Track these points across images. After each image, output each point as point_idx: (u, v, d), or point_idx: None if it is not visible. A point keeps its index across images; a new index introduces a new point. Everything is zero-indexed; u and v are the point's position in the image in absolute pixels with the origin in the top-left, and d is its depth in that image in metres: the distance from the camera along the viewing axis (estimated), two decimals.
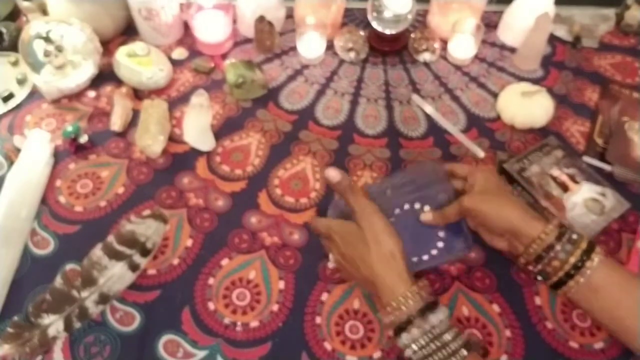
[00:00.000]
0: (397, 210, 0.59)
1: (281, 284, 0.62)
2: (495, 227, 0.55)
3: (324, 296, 0.61)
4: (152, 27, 0.86)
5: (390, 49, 0.90)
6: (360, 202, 0.53)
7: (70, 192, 0.70)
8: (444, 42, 0.90)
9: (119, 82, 0.82)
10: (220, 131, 0.78)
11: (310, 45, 0.87)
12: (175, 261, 0.64)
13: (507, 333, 0.58)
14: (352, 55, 0.89)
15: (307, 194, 0.71)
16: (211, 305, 0.60)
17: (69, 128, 0.72)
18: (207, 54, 0.88)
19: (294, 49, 0.89)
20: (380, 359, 0.57)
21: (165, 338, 0.58)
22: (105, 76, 0.83)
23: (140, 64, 0.80)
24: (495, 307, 0.60)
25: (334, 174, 0.53)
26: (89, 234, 0.65)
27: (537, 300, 0.61)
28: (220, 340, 0.58)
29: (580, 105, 0.82)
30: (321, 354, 0.57)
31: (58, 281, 0.60)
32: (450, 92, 0.85)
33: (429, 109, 0.81)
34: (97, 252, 0.60)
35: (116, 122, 0.75)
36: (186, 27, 0.91)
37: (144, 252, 0.62)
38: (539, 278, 0.54)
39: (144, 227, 0.63)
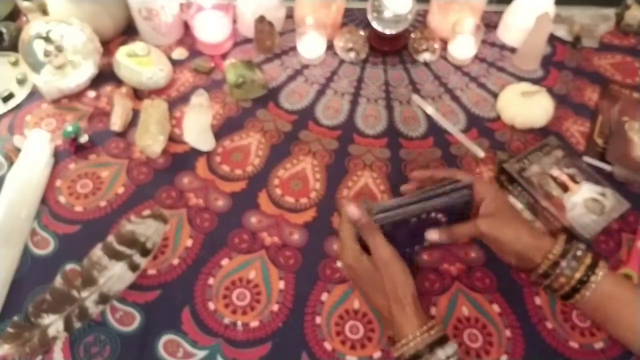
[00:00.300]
0: (413, 220, 0.56)
1: (281, 284, 0.62)
2: (507, 250, 0.56)
3: (324, 296, 0.61)
4: (152, 27, 0.86)
5: (390, 49, 0.90)
6: (377, 242, 0.53)
7: (70, 192, 0.70)
8: (444, 42, 0.90)
9: (119, 82, 0.82)
10: (220, 131, 0.78)
11: (310, 45, 0.87)
12: (175, 261, 0.64)
13: (507, 333, 0.58)
14: (352, 55, 0.89)
15: (307, 194, 0.71)
16: (211, 305, 0.60)
17: (69, 128, 0.72)
18: (207, 54, 0.88)
19: (294, 49, 0.89)
20: (380, 359, 0.57)
21: (165, 338, 0.58)
22: (105, 76, 0.83)
23: (140, 64, 0.80)
24: (495, 307, 0.60)
25: (353, 211, 0.54)
26: (89, 234, 0.65)
27: (537, 300, 0.61)
28: (220, 340, 0.58)
29: (580, 105, 0.82)
30: (321, 354, 0.57)
31: (58, 281, 0.60)
32: (450, 92, 0.85)
33: (429, 109, 0.81)
34: (97, 252, 0.60)
35: (116, 122, 0.75)
36: (186, 27, 0.91)
37: (144, 252, 0.62)
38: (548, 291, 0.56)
39: (144, 227, 0.63)
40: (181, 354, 0.57)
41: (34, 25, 0.78)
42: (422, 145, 0.77)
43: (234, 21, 0.91)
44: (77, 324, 0.57)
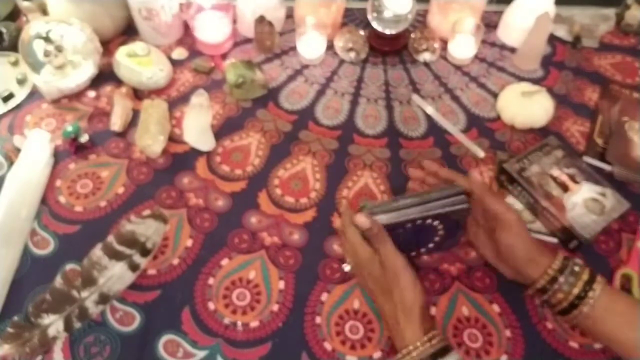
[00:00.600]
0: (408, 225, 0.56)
1: (281, 284, 0.62)
2: (510, 261, 0.56)
3: (324, 296, 0.61)
4: (152, 27, 0.86)
5: (390, 49, 0.90)
6: (388, 250, 0.53)
7: (70, 192, 0.70)
8: (444, 42, 0.90)
9: (119, 82, 0.82)
10: (220, 131, 0.78)
11: (310, 45, 0.87)
12: (175, 261, 0.64)
13: (507, 333, 0.58)
14: (352, 55, 0.89)
15: (307, 194, 0.71)
16: (211, 305, 0.60)
17: (69, 128, 0.72)
18: (207, 54, 0.88)
19: (294, 49, 0.89)
20: (380, 359, 0.57)
21: (165, 338, 0.58)
22: (105, 76, 0.83)
23: (140, 64, 0.80)
24: (495, 307, 0.60)
25: (363, 220, 0.53)
26: (89, 234, 0.65)
27: (537, 300, 0.61)
28: (220, 340, 0.58)
29: (580, 105, 0.82)
30: (321, 354, 0.57)
31: (58, 281, 0.60)
32: (450, 92, 0.85)
33: (429, 109, 0.81)
34: (97, 252, 0.60)
35: (116, 122, 0.75)
36: (186, 27, 0.91)
37: (144, 252, 0.62)
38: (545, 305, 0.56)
39: (144, 227, 0.63)
40: (181, 354, 0.57)
41: (34, 25, 0.78)
42: (422, 145, 0.77)
43: (234, 21, 0.91)
44: (77, 324, 0.57)
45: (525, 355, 0.57)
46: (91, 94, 0.82)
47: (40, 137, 0.72)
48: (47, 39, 0.77)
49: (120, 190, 0.70)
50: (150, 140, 0.72)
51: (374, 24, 0.85)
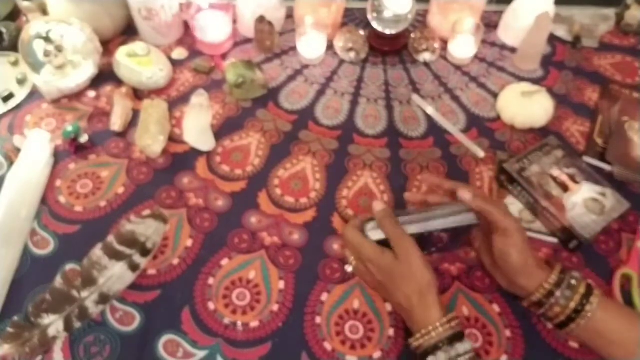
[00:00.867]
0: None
1: (281, 284, 0.62)
2: (501, 266, 0.56)
3: (324, 296, 0.61)
4: (152, 27, 0.86)
5: (390, 49, 0.90)
6: (398, 233, 0.54)
7: (70, 192, 0.70)
8: (444, 42, 0.90)
9: (119, 82, 0.82)
10: (220, 131, 0.78)
11: (310, 45, 0.87)
12: (175, 261, 0.64)
13: (507, 333, 0.58)
14: (352, 55, 0.89)
15: (307, 194, 0.71)
16: (211, 305, 0.60)
17: (69, 128, 0.71)
18: (207, 54, 0.88)
19: (294, 49, 0.89)
20: (380, 359, 0.57)
21: (165, 338, 0.58)
22: (105, 76, 0.83)
23: (140, 64, 0.80)
24: (495, 307, 0.60)
25: (376, 203, 0.56)
26: (89, 234, 0.65)
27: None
28: (220, 340, 0.58)
29: (580, 105, 0.82)
30: (321, 354, 0.57)
31: (58, 281, 0.60)
32: (450, 92, 0.85)
33: (429, 109, 0.81)
34: (97, 252, 0.60)
35: (116, 122, 0.75)
36: (186, 27, 0.91)
37: (144, 252, 0.62)
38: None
39: (144, 227, 0.63)
40: (181, 354, 0.57)
41: (34, 25, 0.78)
42: (422, 145, 0.77)
43: (234, 21, 0.91)
44: (77, 324, 0.57)
45: (525, 355, 0.57)
46: (91, 94, 0.82)
47: (40, 137, 0.72)
48: (47, 39, 0.77)
49: (120, 190, 0.70)
50: (150, 140, 0.72)
51: (374, 24, 0.85)
